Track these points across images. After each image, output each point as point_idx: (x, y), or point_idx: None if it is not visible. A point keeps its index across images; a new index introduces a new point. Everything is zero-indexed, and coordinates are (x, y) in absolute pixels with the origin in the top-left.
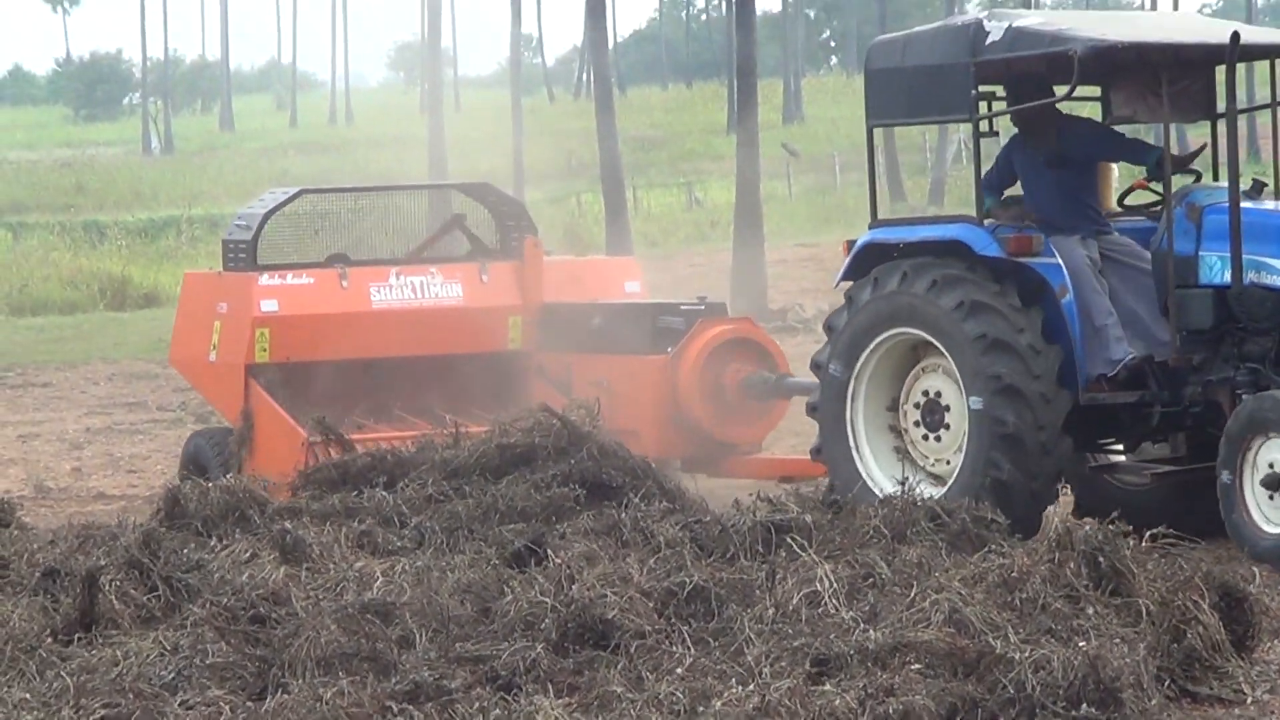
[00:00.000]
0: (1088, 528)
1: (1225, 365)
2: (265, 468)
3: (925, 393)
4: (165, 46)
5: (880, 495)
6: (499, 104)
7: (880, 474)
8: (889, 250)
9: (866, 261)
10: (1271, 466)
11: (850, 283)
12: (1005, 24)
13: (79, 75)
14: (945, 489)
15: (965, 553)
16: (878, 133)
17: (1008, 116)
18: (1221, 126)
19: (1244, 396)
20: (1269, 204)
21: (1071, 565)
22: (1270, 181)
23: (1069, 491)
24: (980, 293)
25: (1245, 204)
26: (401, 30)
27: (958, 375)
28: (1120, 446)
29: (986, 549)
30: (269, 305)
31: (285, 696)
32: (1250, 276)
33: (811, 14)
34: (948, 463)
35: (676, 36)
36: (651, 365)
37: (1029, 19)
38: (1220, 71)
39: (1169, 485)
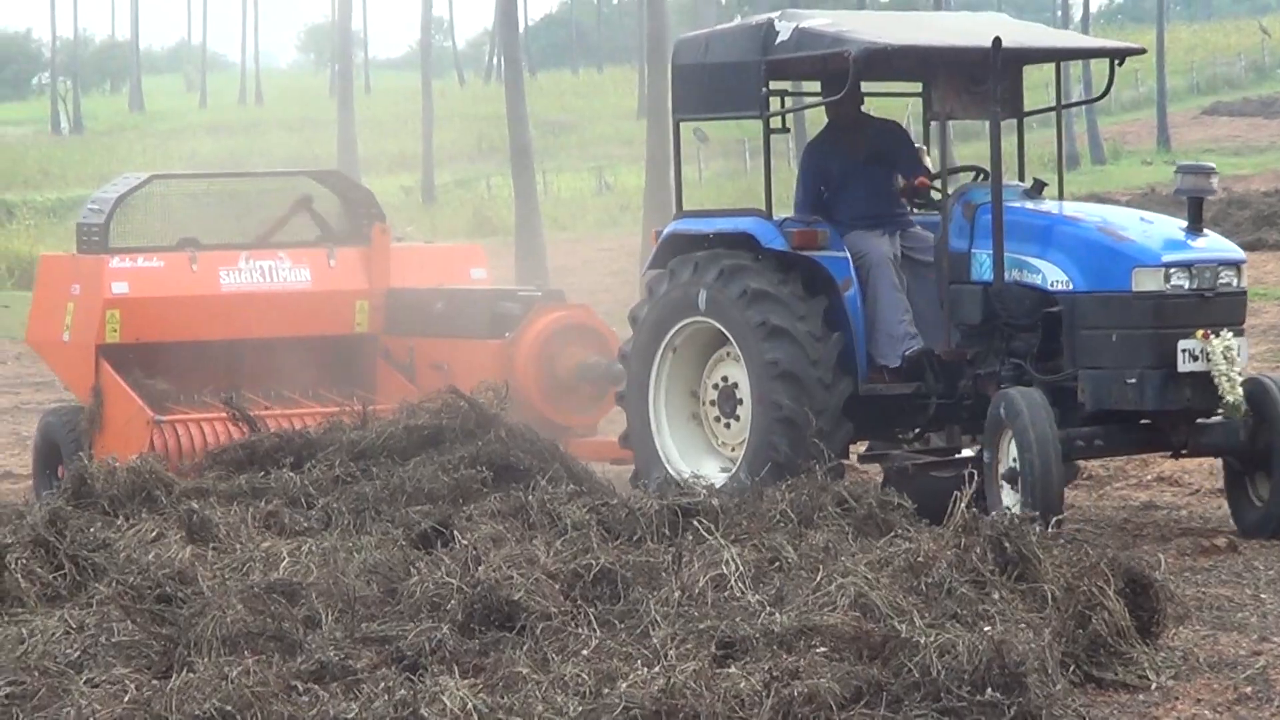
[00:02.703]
0: (994, 514)
1: (994, 359)
2: (115, 446)
3: (723, 379)
4: (75, 26)
5: (678, 480)
6: (409, 87)
7: (680, 460)
8: (694, 241)
9: (671, 252)
10: (1014, 461)
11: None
12: (793, 24)
13: None
14: (732, 472)
15: (872, 537)
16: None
17: (817, 118)
18: (1034, 121)
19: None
20: (1044, 204)
21: (977, 550)
22: (1052, 182)
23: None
24: (763, 282)
25: (1016, 203)
26: (312, 12)
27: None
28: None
29: (893, 534)
30: (120, 287)
31: (191, 675)
32: (1012, 274)
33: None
34: (743, 447)
35: (588, 20)
36: (488, 349)
37: (815, 20)
38: (1029, 71)
39: (928, 473)
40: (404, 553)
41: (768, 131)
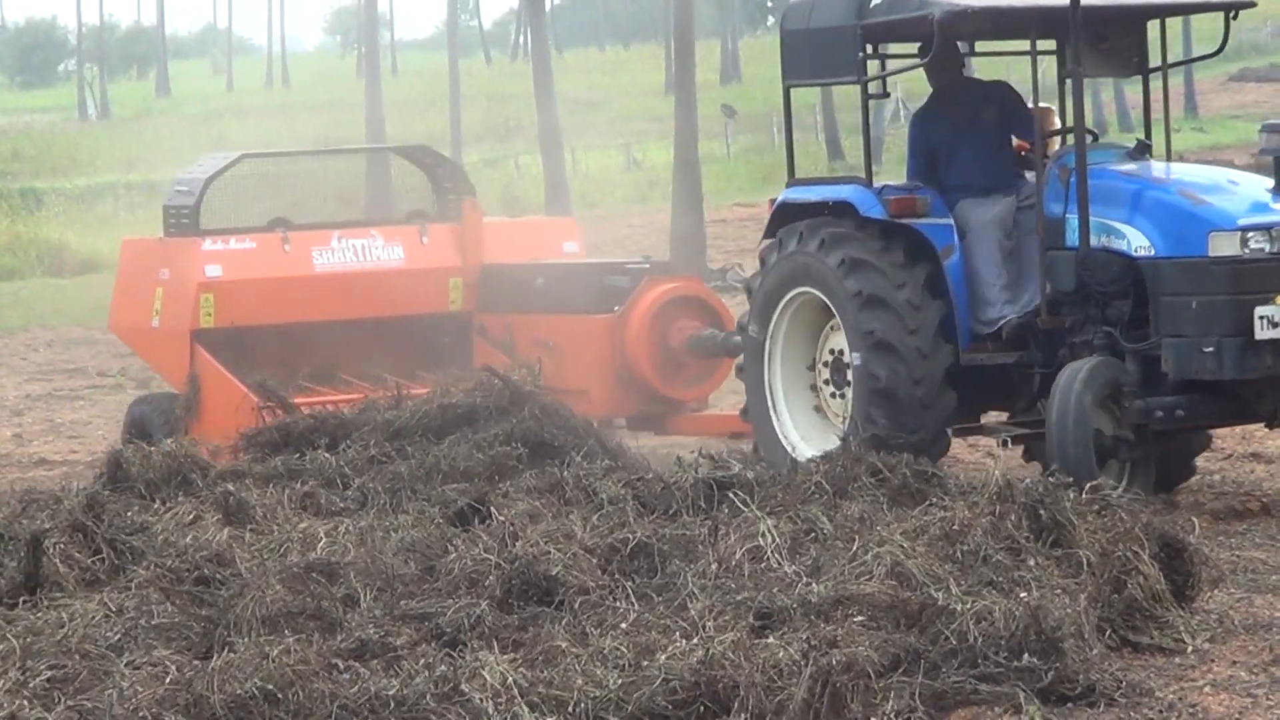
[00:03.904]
0: (1028, 481)
1: (1090, 328)
2: (213, 433)
3: (832, 351)
4: (101, 12)
5: (792, 455)
6: (436, 67)
7: (795, 434)
8: (802, 210)
9: (781, 221)
10: None
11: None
12: None
13: (14, 42)
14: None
15: (907, 507)
16: (813, 92)
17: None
18: (1156, 82)
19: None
20: (1137, 166)
21: (1012, 518)
22: (1159, 142)
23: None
24: (862, 250)
25: (1111, 166)
26: None
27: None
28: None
29: (928, 503)
30: (213, 270)
31: (231, 655)
32: (1101, 240)
33: None
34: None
35: None
36: (598, 324)
37: None
38: (1151, 27)
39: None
40: (441, 530)
41: (865, 96)
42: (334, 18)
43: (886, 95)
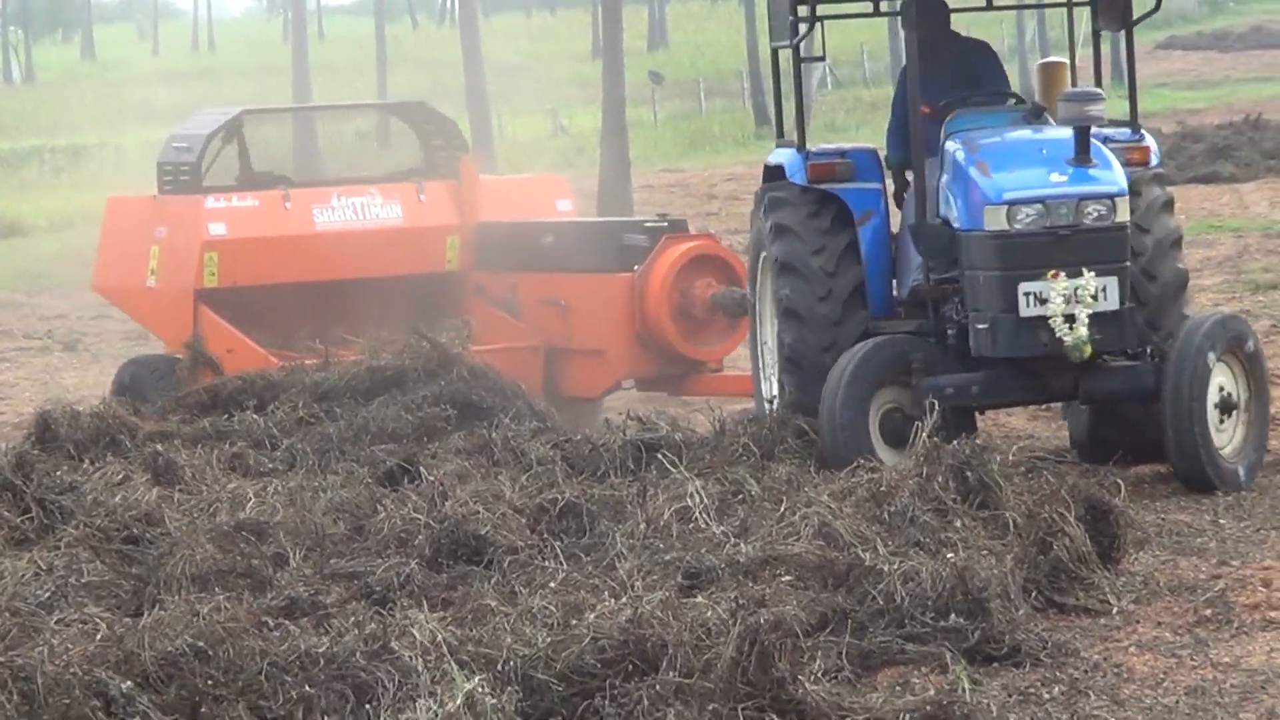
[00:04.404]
0: (955, 443)
1: (954, 299)
2: None
3: None
4: None
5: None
6: (363, 32)
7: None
8: (769, 172)
9: (763, 183)
10: None
11: None
12: None
13: None
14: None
15: (834, 469)
16: (740, 58)
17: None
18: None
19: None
20: (1007, 132)
21: (939, 479)
22: (1118, 106)
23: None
24: (790, 216)
25: (985, 131)
26: None
27: None
28: None
29: (855, 465)
30: (217, 228)
31: (162, 613)
32: (944, 210)
33: None
34: None
35: None
36: (618, 283)
37: None
38: None
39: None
40: (370, 491)
41: (797, 60)
42: None
43: (821, 59)
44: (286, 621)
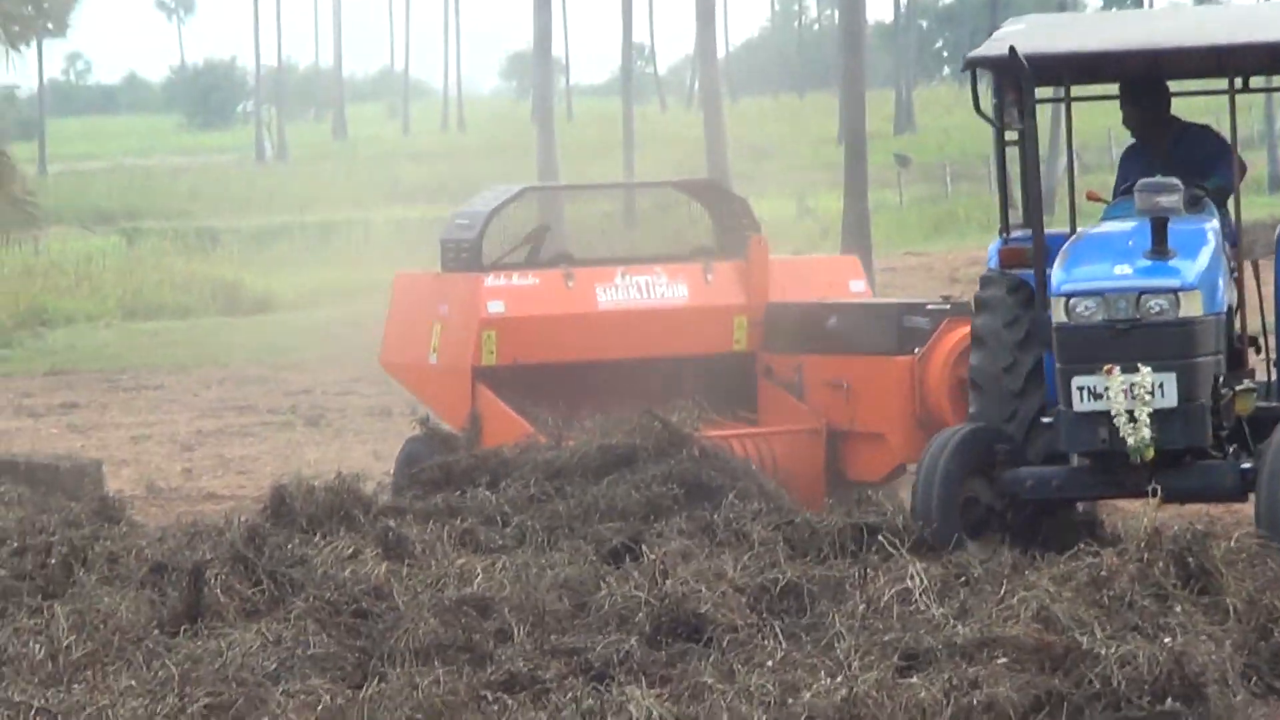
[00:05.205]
0: (1177, 528)
1: None
2: None
3: None
4: (279, 54)
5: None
6: (611, 112)
7: None
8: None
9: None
10: None
11: None
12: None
13: (193, 82)
14: None
15: (1056, 553)
16: (986, 142)
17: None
18: None
19: None
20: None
21: (1160, 565)
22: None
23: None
24: (989, 292)
25: (1102, 223)
26: (514, 38)
27: None
28: None
29: (1076, 549)
30: (495, 306)
31: (383, 685)
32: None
33: (924, 24)
34: None
35: (788, 45)
36: (898, 365)
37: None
38: None
39: None
40: (595, 568)
41: (1001, 142)
42: (509, 62)
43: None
44: (505, 695)
